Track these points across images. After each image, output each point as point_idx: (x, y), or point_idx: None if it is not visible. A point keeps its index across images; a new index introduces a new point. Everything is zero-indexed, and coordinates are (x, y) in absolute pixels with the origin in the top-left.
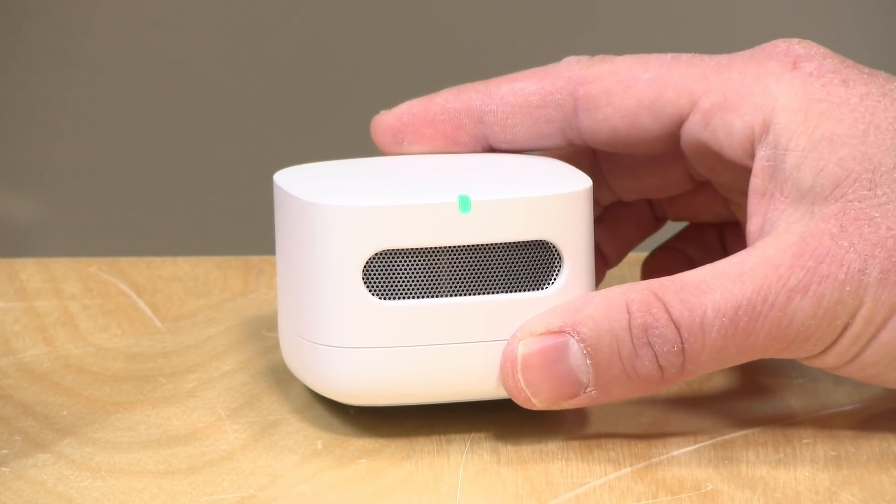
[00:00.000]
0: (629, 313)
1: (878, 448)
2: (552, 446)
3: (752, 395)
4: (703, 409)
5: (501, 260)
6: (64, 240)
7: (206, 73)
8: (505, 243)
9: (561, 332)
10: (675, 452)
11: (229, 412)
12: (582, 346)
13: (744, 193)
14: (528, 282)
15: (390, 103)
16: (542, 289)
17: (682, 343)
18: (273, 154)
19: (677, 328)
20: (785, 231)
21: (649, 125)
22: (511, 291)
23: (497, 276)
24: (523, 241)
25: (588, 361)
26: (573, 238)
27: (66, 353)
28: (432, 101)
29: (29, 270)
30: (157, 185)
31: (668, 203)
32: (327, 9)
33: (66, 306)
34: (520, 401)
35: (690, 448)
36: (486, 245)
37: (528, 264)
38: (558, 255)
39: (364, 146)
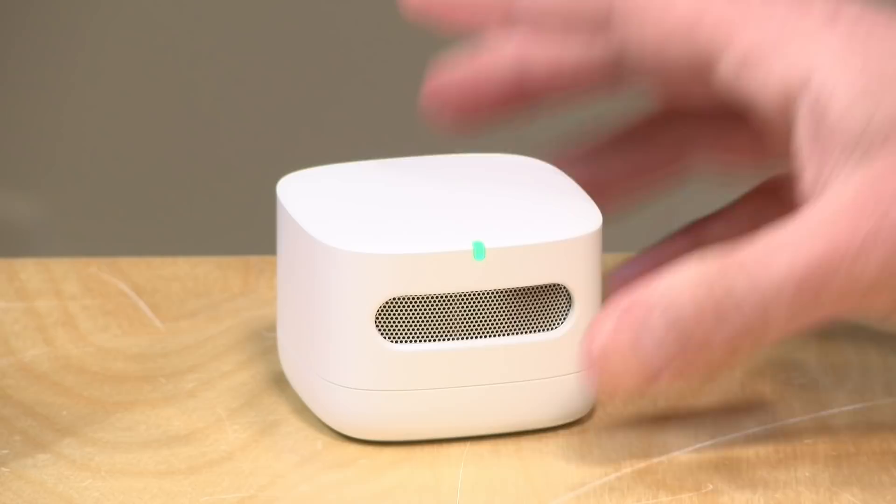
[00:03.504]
0: (708, 286)
1: (879, 448)
2: (552, 446)
3: (752, 395)
4: (704, 409)
5: (513, 303)
6: (64, 240)
7: (205, 72)
8: (518, 288)
9: (645, 305)
10: (676, 452)
11: (229, 412)
12: (661, 321)
13: (780, 141)
14: (539, 323)
15: (388, 101)
16: (552, 329)
17: (756, 312)
18: (273, 154)
19: (750, 299)
20: (844, 182)
21: (680, 52)
22: (521, 333)
23: (508, 319)
24: (536, 286)
25: (668, 337)
26: (584, 278)
27: (66, 353)
28: None
29: (29, 270)
30: (158, 185)
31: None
32: (327, 9)
33: (66, 306)
34: (604, 393)
35: (691, 448)
36: (499, 290)
37: (538, 306)
38: (569, 295)
39: (362, 145)
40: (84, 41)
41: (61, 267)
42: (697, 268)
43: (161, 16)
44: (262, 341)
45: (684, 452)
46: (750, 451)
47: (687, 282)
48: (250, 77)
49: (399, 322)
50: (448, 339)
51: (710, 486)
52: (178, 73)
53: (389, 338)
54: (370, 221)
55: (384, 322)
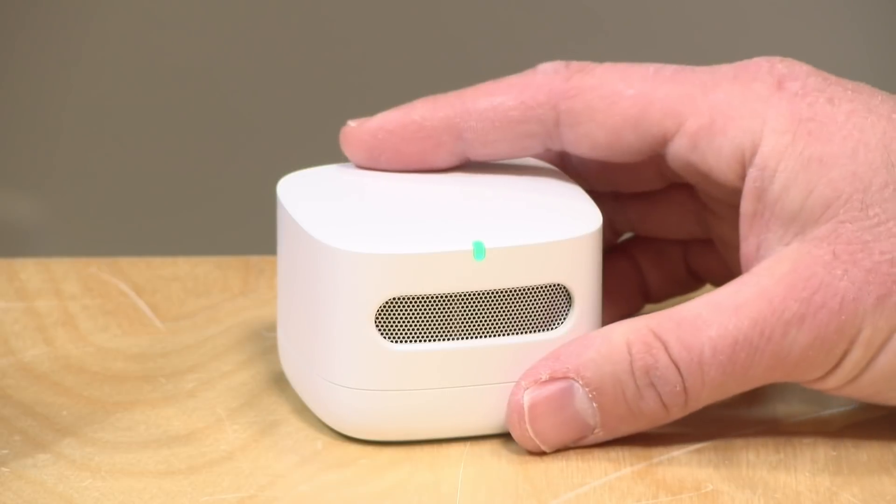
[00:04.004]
0: (630, 355)
1: (879, 448)
2: None
3: (752, 395)
4: (704, 409)
5: (513, 303)
6: (64, 240)
7: (205, 72)
8: (517, 288)
9: (565, 377)
10: (676, 452)
11: (229, 412)
12: (586, 389)
13: (728, 206)
14: (539, 323)
15: (389, 102)
16: (553, 329)
17: (683, 383)
18: (273, 154)
19: (677, 368)
20: (778, 258)
21: (633, 142)
22: (521, 333)
23: (508, 318)
24: (536, 286)
25: (594, 405)
26: (584, 279)
27: (66, 353)
28: (408, 117)
29: (29, 270)
30: (158, 185)
31: (635, 212)
32: (327, 8)
33: (66, 306)
34: (529, 448)
35: (691, 448)
36: (499, 290)
37: (539, 306)
38: (569, 296)
39: None
40: (84, 41)
41: (61, 267)
42: (627, 334)
43: (161, 16)
44: (262, 341)
45: (684, 452)
46: (750, 451)
47: (616, 350)
48: (250, 77)
49: (399, 322)
50: (448, 340)
51: (710, 486)
52: (179, 73)
53: (389, 338)
54: (370, 221)
55: (384, 322)
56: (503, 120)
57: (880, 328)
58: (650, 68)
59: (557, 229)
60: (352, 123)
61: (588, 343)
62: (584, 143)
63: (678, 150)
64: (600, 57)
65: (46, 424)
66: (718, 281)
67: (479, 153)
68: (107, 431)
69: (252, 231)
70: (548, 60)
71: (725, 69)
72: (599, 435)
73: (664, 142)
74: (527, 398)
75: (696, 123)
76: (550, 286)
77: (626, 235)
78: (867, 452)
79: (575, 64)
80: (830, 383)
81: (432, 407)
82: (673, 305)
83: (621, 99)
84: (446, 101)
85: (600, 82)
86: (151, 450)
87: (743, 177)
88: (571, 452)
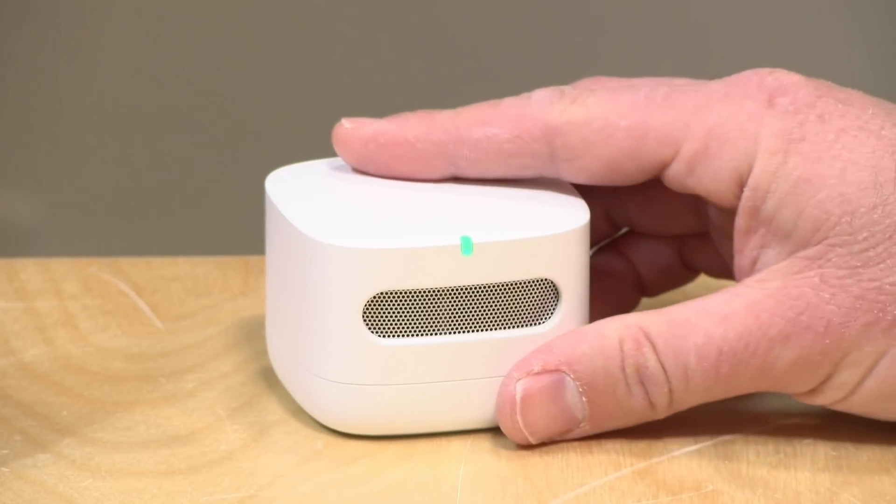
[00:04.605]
0: (622, 351)
1: (879, 448)
2: (552, 446)
3: (752, 394)
4: (704, 409)
5: (501, 298)
6: (64, 240)
7: (206, 72)
8: (505, 283)
9: (557, 370)
10: (676, 452)
11: (229, 412)
12: (577, 384)
13: (726, 216)
14: (526, 318)
15: (383, 100)
16: (540, 324)
17: (669, 384)
18: (273, 154)
19: (664, 370)
20: (771, 273)
21: (630, 171)
22: (509, 328)
23: (495, 313)
24: (523, 281)
25: (584, 399)
26: (571, 274)
27: (66, 353)
28: (401, 136)
29: (29, 270)
30: (157, 185)
31: (633, 205)
32: (322, 8)
33: (66, 306)
34: (516, 439)
35: (691, 448)
36: (486, 285)
37: (526, 301)
38: (556, 290)
39: None
40: (83, 41)
41: (61, 267)
42: (620, 331)
43: (161, 16)
44: (262, 341)
45: (684, 452)
46: (750, 451)
47: (609, 345)
48: (251, 77)
49: (387, 316)
50: (435, 334)
51: (710, 486)
52: (179, 73)
53: (377, 332)
54: (358, 216)
55: (372, 317)
56: (497, 152)
57: (866, 353)
58: (640, 93)
59: (545, 224)
60: (346, 125)
61: (581, 337)
62: (581, 174)
63: (675, 175)
64: (600, 56)
65: (46, 424)
66: (713, 271)
67: (469, 175)
68: (107, 431)
69: (252, 231)
70: (545, 54)
71: (716, 87)
72: (585, 429)
73: (661, 167)
74: (519, 389)
75: (692, 149)
76: (538, 281)
77: (622, 231)
78: (867, 452)
79: (569, 93)
80: (820, 400)
81: (420, 401)
82: (668, 298)
83: (616, 132)
84: (441, 122)
85: (593, 116)
86: (151, 450)
87: (742, 185)
88: (571, 452)
